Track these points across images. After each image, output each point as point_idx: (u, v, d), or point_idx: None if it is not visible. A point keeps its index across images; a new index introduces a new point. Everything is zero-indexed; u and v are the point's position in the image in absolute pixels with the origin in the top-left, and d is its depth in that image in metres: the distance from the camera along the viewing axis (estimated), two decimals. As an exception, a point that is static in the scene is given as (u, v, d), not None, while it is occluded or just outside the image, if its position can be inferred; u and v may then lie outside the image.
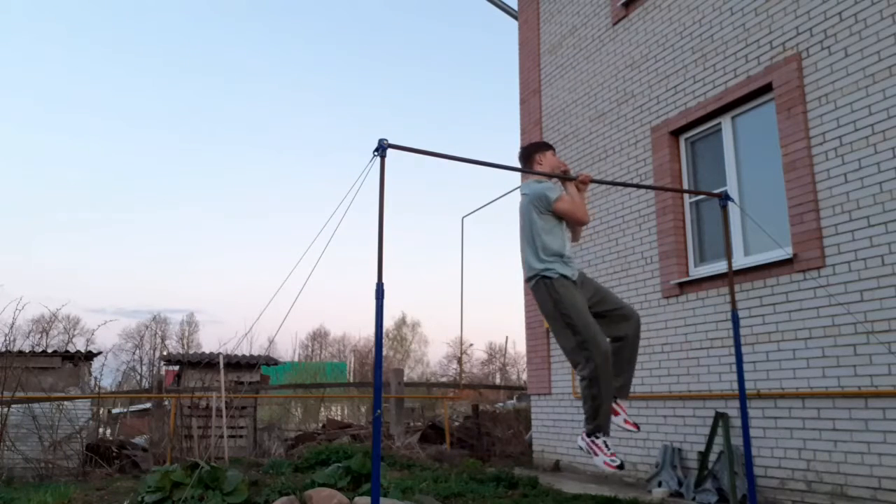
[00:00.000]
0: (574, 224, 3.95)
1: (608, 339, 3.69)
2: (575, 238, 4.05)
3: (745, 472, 4.81)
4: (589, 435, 3.63)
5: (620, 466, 3.54)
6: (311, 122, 64.09)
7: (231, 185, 61.23)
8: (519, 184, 4.31)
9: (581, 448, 3.70)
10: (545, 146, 4.17)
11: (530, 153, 4.12)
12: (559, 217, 3.81)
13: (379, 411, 3.07)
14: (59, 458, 7.79)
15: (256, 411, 9.92)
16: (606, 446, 3.58)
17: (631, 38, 7.20)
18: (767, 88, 5.61)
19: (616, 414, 3.75)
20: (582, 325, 3.55)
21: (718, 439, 5.53)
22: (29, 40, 56.03)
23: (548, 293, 3.68)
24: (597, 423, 3.59)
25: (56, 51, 57.88)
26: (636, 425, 3.84)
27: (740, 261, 5.61)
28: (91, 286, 54.73)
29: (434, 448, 9.15)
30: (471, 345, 30.23)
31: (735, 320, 4.37)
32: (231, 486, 5.06)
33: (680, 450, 6.00)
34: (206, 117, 61.13)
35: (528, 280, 3.85)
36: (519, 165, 4.18)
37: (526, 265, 3.86)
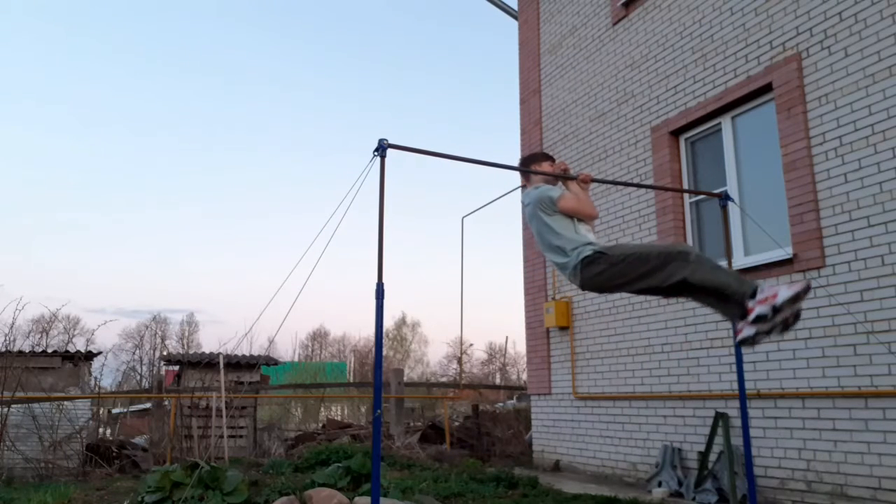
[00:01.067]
0: (584, 219, 3.83)
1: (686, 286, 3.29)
2: None
3: (745, 472, 4.81)
4: (750, 299, 3.09)
5: (807, 288, 3.01)
6: (312, 122, 64.13)
7: (231, 185, 61.27)
8: (519, 183, 4.29)
9: (758, 320, 3.03)
10: (542, 157, 4.10)
11: (527, 165, 4.07)
12: (568, 215, 3.75)
13: (379, 411, 3.07)
14: (59, 458, 7.79)
15: (256, 411, 9.92)
16: (766, 289, 3.07)
17: (631, 38, 7.21)
18: (767, 88, 5.61)
19: (763, 302, 3.05)
20: (647, 251, 3.35)
21: (718, 439, 5.53)
22: (29, 40, 56.07)
23: (598, 265, 3.45)
24: (742, 288, 3.13)
25: (56, 51, 57.90)
26: (806, 285, 3.07)
27: (740, 261, 5.61)
28: (91, 286, 54.76)
29: (434, 448, 9.15)
30: (471, 345, 30.26)
31: (735, 320, 4.36)
32: (231, 486, 5.06)
33: (680, 450, 6.00)
34: (206, 117, 61.14)
35: (573, 278, 3.59)
36: (525, 171, 4.15)
37: (561, 269, 3.67)
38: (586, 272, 3.50)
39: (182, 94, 59.95)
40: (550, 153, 8.20)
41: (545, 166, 4.04)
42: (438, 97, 64.42)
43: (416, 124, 61.16)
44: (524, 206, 3.94)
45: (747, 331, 3.08)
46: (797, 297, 3.01)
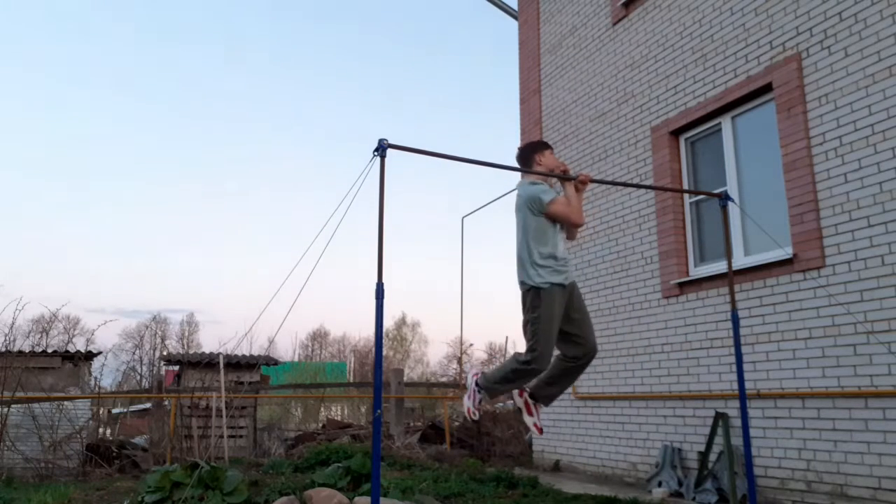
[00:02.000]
0: (568, 226, 3.96)
1: (560, 353, 3.97)
2: (570, 237, 4.07)
3: (745, 472, 4.81)
4: (479, 385, 4.07)
5: (475, 420, 4.25)
6: (312, 121, 64.13)
7: (231, 184, 61.23)
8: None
9: (467, 381, 4.18)
10: (543, 145, 4.19)
11: (529, 153, 4.12)
12: (553, 219, 3.82)
13: (379, 411, 3.07)
14: (59, 458, 7.78)
15: (256, 411, 9.91)
16: (479, 402, 4.12)
17: (631, 38, 7.20)
18: (767, 88, 5.61)
19: (531, 414, 4.08)
20: (543, 339, 3.72)
21: (718, 439, 5.53)
22: (28, 39, 56.03)
23: (532, 301, 3.78)
24: (494, 389, 4.03)
25: (56, 49, 57.86)
26: (541, 430, 4.20)
27: (740, 261, 5.61)
28: (91, 286, 54.75)
29: (434, 448, 9.15)
30: (471, 345, 30.17)
31: (735, 320, 4.37)
32: (231, 486, 5.05)
33: (680, 450, 6.00)
34: (206, 117, 61.12)
35: (520, 283, 3.90)
36: (523, 171, 4.18)
37: (520, 267, 3.88)
38: (524, 291, 3.85)
39: (181, 94, 59.97)
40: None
41: (547, 155, 4.07)
42: (439, 97, 64.46)
43: (417, 124, 61.19)
44: (518, 195, 3.98)
45: (470, 379, 4.15)
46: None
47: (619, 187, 7.06)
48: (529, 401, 4.08)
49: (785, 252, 5.18)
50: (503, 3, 9.47)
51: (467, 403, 4.12)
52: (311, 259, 3.28)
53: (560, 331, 3.84)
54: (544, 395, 4.10)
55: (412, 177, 59.77)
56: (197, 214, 60.75)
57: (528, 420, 4.11)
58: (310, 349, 44.01)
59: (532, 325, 3.75)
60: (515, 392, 4.11)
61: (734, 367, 5.32)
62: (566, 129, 8.08)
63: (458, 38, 64.51)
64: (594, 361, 7.03)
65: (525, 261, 3.82)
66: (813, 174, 5.11)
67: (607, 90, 7.47)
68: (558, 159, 4.26)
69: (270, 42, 62.23)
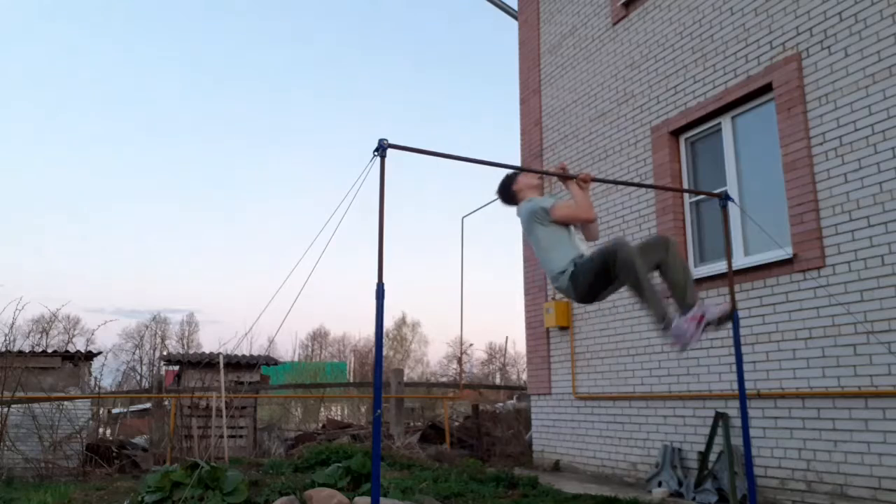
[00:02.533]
0: (581, 223, 3.86)
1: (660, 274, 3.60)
2: (590, 236, 3.93)
3: (745, 472, 4.81)
4: (680, 319, 3.42)
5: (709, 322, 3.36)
6: (312, 121, 64.11)
7: (231, 184, 61.25)
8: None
9: (690, 334, 3.38)
10: (513, 175, 4.05)
11: (509, 186, 4.01)
12: (564, 224, 3.75)
13: (379, 411, 3.07)
14: (59, 458, 7.79)
15: (256, 411, 9.92)
16: (699, 316, 3.38)
17: (631, 38, 7.21)
18: (767, 88, 5.61)
19: (703, 319, 3.38)
20: (611, 245, 3.43)
21: (718, 439, 5.53)
22: (27, 38, 56.05)
23: (583, 277, 3.56)
24: (661, 313, 3.43)
25: (56, 48, 57.89)
26: (731, 312, 3.59)
27: (740, 261, 5.61)
28: (91, 286, 54.74)
29: (434, 448, 9.15)
30: (471, 345, 30.22)
31: (735, 320, 4.36)
32: (231, 486, 5.05)
33: (680, 450, 6.00)
34: (205, 117, 61.14)
35: (563, 289, 3.73)
36: (517, 170, 4.13)
37: (552, 280, 3.78)
38: (567, 287, 3.65)
39: (181, 93, 59.98)
40: (551, 153, 8.23)
41: (520, 179, 3.98)
42: (439, 97, 64.46)
43: (417, 124, 61.19)
44: (520, 218, 3.90)
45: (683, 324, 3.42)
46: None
47: (619, 187, 7.07)
48: (690, 314, 3.41)
49: (785, 252, 5.18)
50: (503, 3, 9.47)
51: (692, 331, 3.35)
52: (311, 259, 3.28)
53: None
54: (687, 297, 3.51)
55: (412, 177, 59.77)
56: (197, 214, 60.75)
57: (712, 313, 3.40)
58: (310, 349, 43.98)
59: (604, 274, 3.45)
60: (686, 325, 3.37)
61: (734, 367, 5.31)
62: (566, 129, 8.08)
63: (458, 37, 64.54)
64: (594, 361, 7.10)
65: (554, 272, 3.71)
66: (813, 174, 5.11)
67: (607, 90, 7.48)
68: (535, 176, 4.16)
69: (269, 41, 62.25)
